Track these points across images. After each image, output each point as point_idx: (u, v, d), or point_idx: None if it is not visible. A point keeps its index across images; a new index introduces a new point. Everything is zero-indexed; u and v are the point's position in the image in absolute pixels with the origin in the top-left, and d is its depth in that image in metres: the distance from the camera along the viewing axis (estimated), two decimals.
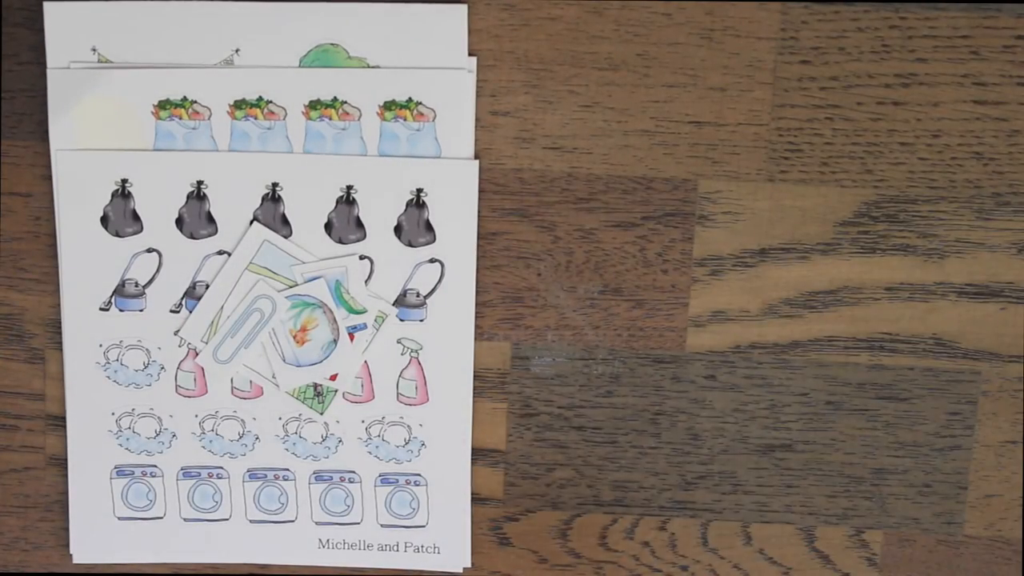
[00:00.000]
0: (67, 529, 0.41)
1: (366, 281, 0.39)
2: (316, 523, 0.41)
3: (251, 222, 0.39)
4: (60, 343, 0.40)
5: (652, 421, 0.40)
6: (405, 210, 0.39)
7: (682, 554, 0.41)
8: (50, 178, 0.39)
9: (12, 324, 0.40)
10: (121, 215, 0.39)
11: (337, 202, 0.39)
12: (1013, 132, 0.38)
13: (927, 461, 0.40)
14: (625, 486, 0.41)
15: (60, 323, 0.40)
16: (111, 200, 0.39)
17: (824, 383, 0.40)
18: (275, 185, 0.38)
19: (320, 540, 0.41)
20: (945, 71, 0.38)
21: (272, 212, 0.39)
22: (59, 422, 0.41)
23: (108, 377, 0.40)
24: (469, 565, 0.41)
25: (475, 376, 0.40)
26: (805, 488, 0.40)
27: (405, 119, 0.38)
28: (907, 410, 0.40)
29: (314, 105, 0.38)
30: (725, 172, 0.39)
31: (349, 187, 0.38)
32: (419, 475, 0.40)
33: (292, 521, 0.41)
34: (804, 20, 0.38)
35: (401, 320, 0.39)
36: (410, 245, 0.39)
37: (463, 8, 0.37)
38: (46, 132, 0.39)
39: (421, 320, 0.39)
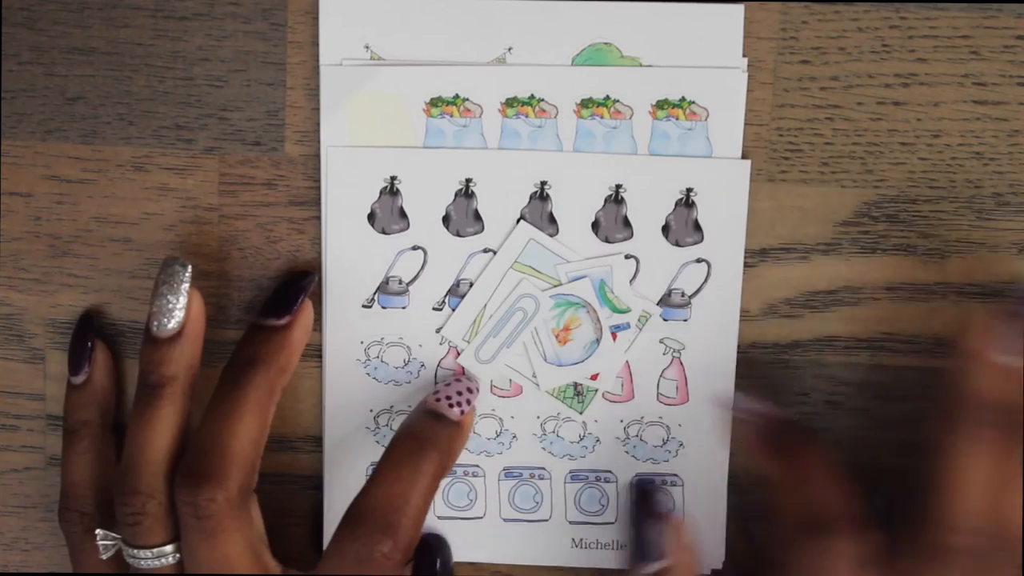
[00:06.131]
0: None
1: (631, 280, 0.39)
2: (570, 522, 0.40)
3: (518, 220, 0.38)
4: (60, 343, 0.40)
5: None
6: (674, 209, 0.38)
7: None
8: (51, 178, 0.39)
9: (12, 324, 0.40)
10: (388, 212, 0.39)
11: (605, 200, 0.38)
12: (1013, 132, 0.38)
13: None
14: None
15: (61, 323, 0.40)
16: (379, 197, 0.38)
17: (824, 383, 0.40)
18: (543, 183, 0.38)
19: (573, 540, 0.40)
20: (945, 71, 0.38)
21: (539, 210, 0.38)
22: (59, 422, 0.41)
23: (368, 374, 0.39)
24: (722, 565, 0.40)
25: None
26: None
27: (677, 118, 0.38)
28: (907, 410, 0.40)
29: (586, 103, 0.38)
30: None
31: (618, 186, 0.38)
32: (676, 475, 0.40)
33: (546, 520, 0.40)
34: (804, 20, 0.38)
35: (665, 320, 0.39)
36: (677, 244, 0.38)
37: (740, 8, 0.37)
38: (47, 132, 0.39)
39: (685, 320, 0.39)
